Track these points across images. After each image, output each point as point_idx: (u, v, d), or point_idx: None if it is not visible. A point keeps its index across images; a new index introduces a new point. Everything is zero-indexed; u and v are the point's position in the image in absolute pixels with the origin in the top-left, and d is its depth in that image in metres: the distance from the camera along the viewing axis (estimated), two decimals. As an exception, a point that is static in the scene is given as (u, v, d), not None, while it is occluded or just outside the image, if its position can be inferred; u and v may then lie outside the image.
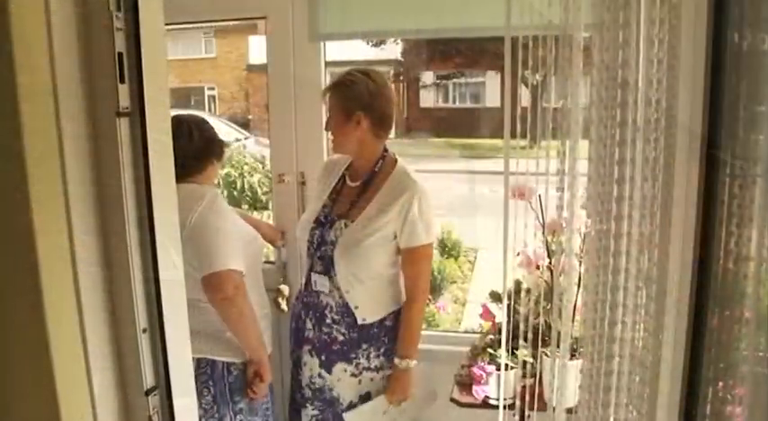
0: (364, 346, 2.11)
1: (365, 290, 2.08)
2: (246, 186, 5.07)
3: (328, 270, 2.09)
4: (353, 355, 2.11)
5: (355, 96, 2.04)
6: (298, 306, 2.26)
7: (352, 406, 2.15)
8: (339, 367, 2.13)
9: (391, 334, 2.14)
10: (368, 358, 2.12)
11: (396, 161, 2.13)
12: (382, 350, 2.13)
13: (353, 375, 2.13)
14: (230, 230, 2.04)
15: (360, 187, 2.11)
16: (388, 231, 2.04)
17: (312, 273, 2.14)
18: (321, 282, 2.11)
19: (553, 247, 2.02)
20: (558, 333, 1.50)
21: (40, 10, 1.01)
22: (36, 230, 1.02)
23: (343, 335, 2.11)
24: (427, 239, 2.08)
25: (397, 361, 2.11)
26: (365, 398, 2.16)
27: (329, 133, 2.14)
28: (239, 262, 1.99)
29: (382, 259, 2.08)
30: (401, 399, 2.15)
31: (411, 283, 2.12)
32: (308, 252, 2.14)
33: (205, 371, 2.07)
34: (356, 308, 2.08)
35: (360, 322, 2.09)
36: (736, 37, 1.01)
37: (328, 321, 2.12)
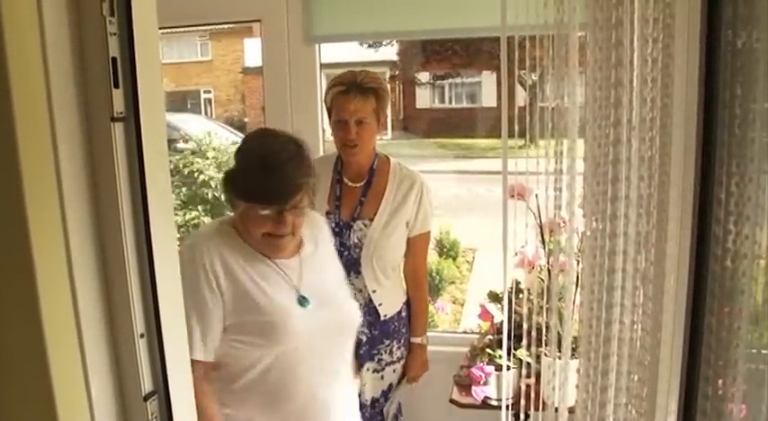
0: (386, 342, 2.15)
1: (389, 284, 2.12)
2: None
3: (347, 276, 2.02)
4: (375, 352, 2.15)
5: (387, 100, 2.08)
6: None
7: (375, 401, 2.20)
8: (363, 368, 2.16)
9: (406, 323, 2.21)
10: (390, 352, 2.16)
11: (387, 157, 2.18)
12: (402, 341, 2.18)
13: (376, 371, 2.17)
14: (193, 301, 1.46)
15: (363, 187, 2.12)
16: (405, 222, 2.10)
17: None
18: None
19: (551, 247, 2.02)
20: (557, 333, 1.50)
21: (33, 15, 1.01)
22: (31, 235, 1.02)
23: (366, 335, 2.13)
24: (431, 225, 2.19)
25: (414, 339, 2.20)
26: (387, 391, 2.21)
27: (352, 142, 2.04)
28: (202, 348, 1.50)
29: (402, 250, 2.13)
30: (422, 373, 2.24)
31: (419, 268, 2.20)
32: None
33: None
34: (380, 305, 2.11)
35: (382, 318, 2.12)
36: (730, 35, 1.01)
37: None
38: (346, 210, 2.10)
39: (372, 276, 2.08)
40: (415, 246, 2.17)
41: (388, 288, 2.12)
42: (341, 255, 2.04)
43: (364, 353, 2.14)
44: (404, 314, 2.20)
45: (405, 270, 2.21)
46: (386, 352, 2.16)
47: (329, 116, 2.10)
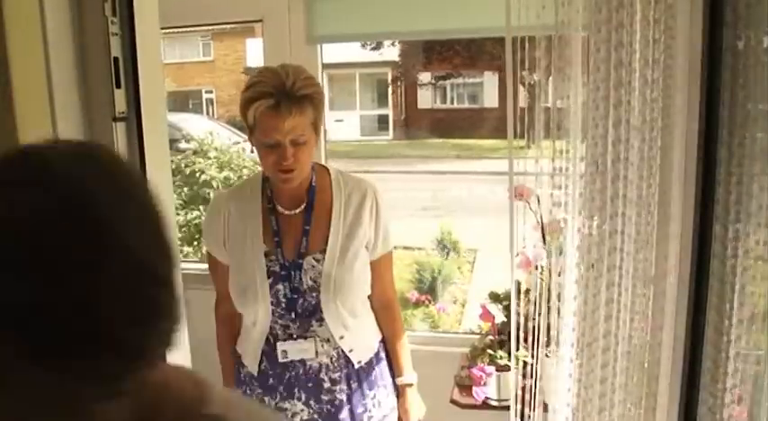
0: (371, 392, 1.72)
1: (357, 325, 1.67)
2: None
3: (308, 327, 1.64)
4: (362, 409, 1.70)
5: (324, 104, 1.62)
6: (255, 391, 1.72)
7: None
8: None
9: (389, 364, 1.77)
10: (379, 405, 1.73)
11: (324, 167, 1.73)
12: (389, 386, 1.76)
13: None
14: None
15: (304, 213, 1.64)
16: (364, 244, 1.67)
17: (278, 344, 1.65)
18: (299, 348, 1.65)
19: (552, 247, 2.02)
20: (557, 333, 1.50)
21: (36, 15, 1.01)
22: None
23: (345, 391, 1.70)
24: (392, 241, 1.74)
25: (400, 379, 1.76)
26: None
27: (289, 167, 1.52)
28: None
29: (366, 278, 1.68)
30: (421, 415, 1.79)
31: (389, 294, 1.77)
32: (274, 316, 1.63)
33: None
34: (351, 351, 1.67)
35: (356, 367, 1.69)
36: (730, 36, 1.02)
37: (327, 385, 1.67)
38: (289, 247, 1.63)
39: (337, 320, 1.63)
40: (379, 269, 1.71)
41: (355, 329, 1.67)
42: (293, 302, 1.62)
43: (346, 418, 1.69)
44: (382, 354, 1.75)
45: (371, 299, 1.73)
46: (374, 406, 1.72)
47: (250, 135, 1.56)
